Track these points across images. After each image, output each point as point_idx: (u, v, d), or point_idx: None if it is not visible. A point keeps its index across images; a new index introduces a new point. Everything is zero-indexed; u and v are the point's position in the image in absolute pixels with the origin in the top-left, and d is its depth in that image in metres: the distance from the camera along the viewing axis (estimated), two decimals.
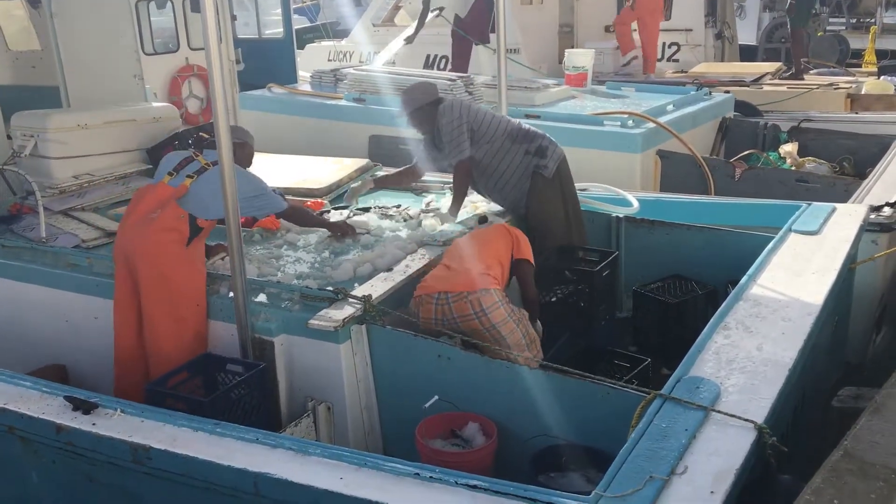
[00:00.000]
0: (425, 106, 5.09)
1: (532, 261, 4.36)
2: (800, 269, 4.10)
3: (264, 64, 9.76)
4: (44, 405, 3.41)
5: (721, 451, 2.60)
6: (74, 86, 7.00)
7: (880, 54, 13.53)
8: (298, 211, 4.78)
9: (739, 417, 2.74)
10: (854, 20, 19.11)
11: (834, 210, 4.95)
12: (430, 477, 2.63)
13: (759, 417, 2.75)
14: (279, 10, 11.17)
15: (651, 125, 7.22)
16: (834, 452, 2.74)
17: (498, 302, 3.98)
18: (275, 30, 11.51)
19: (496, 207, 5.30)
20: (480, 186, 5.24)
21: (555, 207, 5.09)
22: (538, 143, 5.11)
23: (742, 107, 8.81)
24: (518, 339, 4.01)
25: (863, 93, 9.75)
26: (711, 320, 3.54)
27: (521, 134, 5.13)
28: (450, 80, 8.23)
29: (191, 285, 4.09)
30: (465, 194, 5.20)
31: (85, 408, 3.31)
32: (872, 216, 5.07)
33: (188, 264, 4.13)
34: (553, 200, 5.09)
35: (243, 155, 4.58)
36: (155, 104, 6.96)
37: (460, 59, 10.77)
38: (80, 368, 4.62)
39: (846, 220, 4.82)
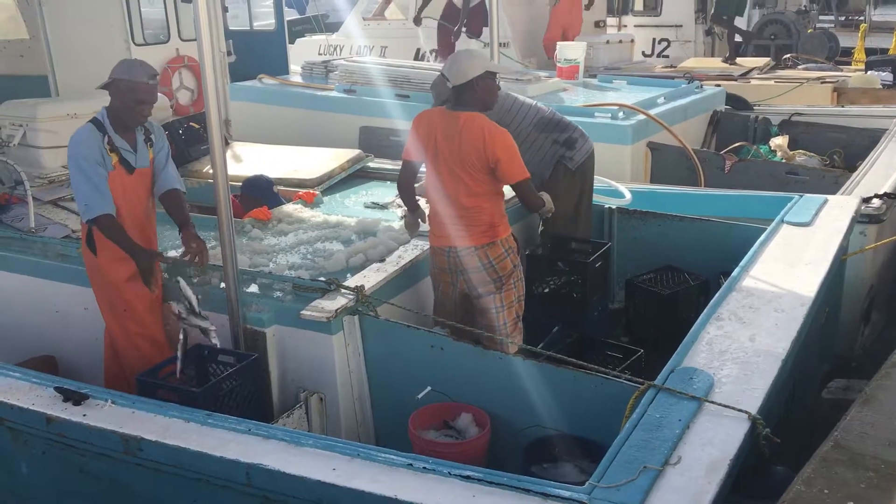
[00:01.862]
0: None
1: (525, 174, 4.08)
2: (792, 261, 4.11)
3: (256, 56, 9.70)
4: (34, 396, 3.39)
5: (715, 442, 2.61)
6: (63, 75, 6.95)
7: (870, 52, 13.57)
8: (110, 229, 3.89)
9: (733, 408, 2.75)
10: (843, 17, 19.16)
11: (826, 202, 4.96)
12: (423, 468, 2.62)
13: (753, 408, 2.76)
14: (269, 2, 11.11)
15: (642, 117, 7.21)
16: (824, 443, 2.75)
17: (504, 253, 4.11)
18: (264, 22, 11.45)
19: None
20: None
21: (568, 201, 5.05)
22: (568, 135, 5.10)
23: (734, 100, 8.82)
24: (513, 298, 4.15)
25: (849, 87, 9.79)
26: (704, 311, 3.55)
27: (551, 124, 5.10)
28: (440, 72, 8.19)
29: (106, 293, 4.00)
30: None
31: (75, 399, 3.29)
32: (862, 207, 5.09)
33: (97, 271, 4.00)
34: (569, 194, 5.07)
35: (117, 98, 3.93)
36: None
37: (444, 51, 10.85)
38: (69, 359, 4.59)
39: (838, 211, 4.84)
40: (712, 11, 12.52)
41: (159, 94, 7.07)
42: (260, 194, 5.40)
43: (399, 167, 5.81)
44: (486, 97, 4.13)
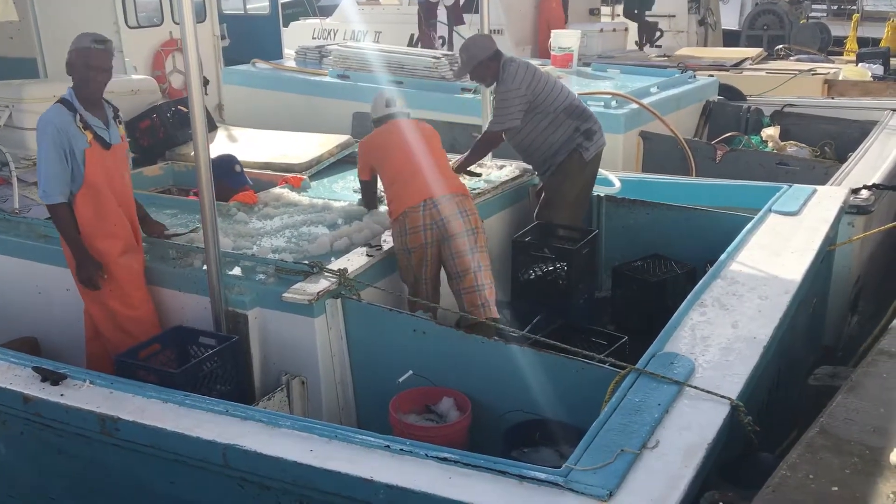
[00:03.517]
0: (485, 60, 5.08)
1: None
2: (778, 249, 4.10)
3: (249, 40, 9.66)
4: (11, 375, 3.37)
5: (693, 426, 2.59)
6: (52, 57, 6.89)
7: (862, 42, 13.57)
8: (61, 220, 3.92)
9: (713, 393, 2.73)
10: (835, 7, 19.16)
11: (814, 192, 4.95)
12: (401, 450, 2.60)
13: (733, 394, 2.75)
14: None
15: (634, 106, 7.21)
16: (810, 429, 2.75)
17: (475, 207, 4.38)
18: (256, 4, 11.38)
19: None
20: (515, 140, 5.23)
21: (572, 188, 5.15)
22: (589, 126, 5.19)
23: (726, 91, 8.82)
24: (486, 262, 4.29)
25: (840, 79, 9.79)
26: (688, 297, 3.53)
27: (577, 111, 5.18)
28: (434, 57, 8.17)
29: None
30: (477, 161, 5.34)
31: (53, 378, 3.26)
32: (851, 198, 5.08)
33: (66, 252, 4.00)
34: (575, 182, 5.15)
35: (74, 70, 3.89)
36: (134, 76, 6.86)
37: (426, 37, 10.92)
38: (51, 340, 4.56)
39: (826, 202, 4.82)
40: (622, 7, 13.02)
41: (151, 77, 7.08)
42: (221, 175, 5.28)
43: None
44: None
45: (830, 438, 2.69)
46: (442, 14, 11.05)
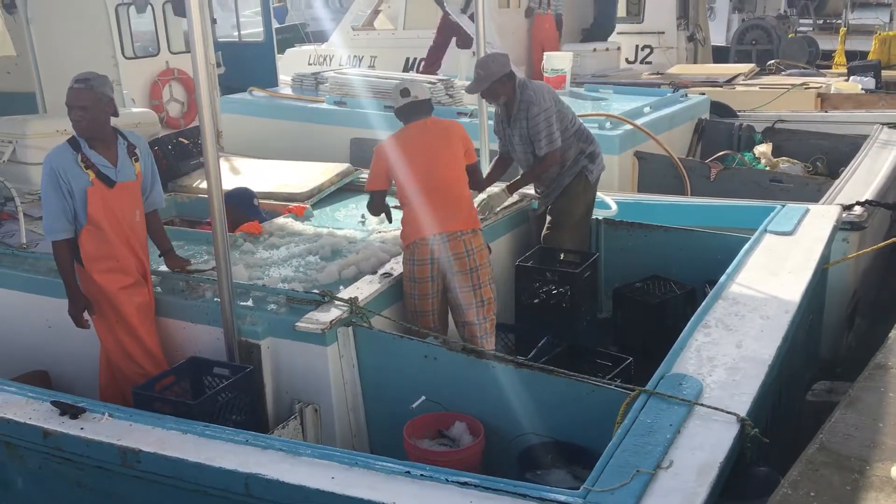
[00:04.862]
0: (503, 78, 5.07)
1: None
2: (776, 269, 4.20)
3: (244, 67, 9.75)
4: (30, 410, 3.41)
5: (705, 446, 2.67)
6: (51, 92, 6.97)
7: (849, 55, 13.78)
8: (59, 256, 4.03)
9: (723, 410, 2.81)
10: (821, 21, 19.42)
11: (807, 211, 5.06)
12: (421, 475, 2.67)
13: (741, 411, 2.83)
14: (248, 12, 11.14)
15: (628, 127, 7.32)
16: (809, 446, 2.81)
17: (483, 244, 4.45)
18: (245, 31, 11.50)
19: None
20: (524, 162, 5.28)
21: (577, 210, 5.26)
22: (592, 149, 5.31)
23: (718, 108, 8.95)
24: (489, 295, 4.40)
25: (832, 92, 9.96)
26: (692, 319, 3.61)
27: (583, 134, 5.30)
28: (430, 82, 8.28)
29: (98, 305, 4.05)
30: (536, 180, 5.34)
31: (72, 412, 3.31)
32: (844, 215, 5.19)
33: (86, 282, 4.06)
34: (580, 204, 5.26)
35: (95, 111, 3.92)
36: (134, 109, 6.94)
37: (431, 63, 10.99)
38: (62, 374, 4.60)
39: (819, 220, 4.93)
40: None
41: (149, 109, 7.15)
42: (240, 206, 5.37)
43: None
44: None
45: (831, 455, 2.74)
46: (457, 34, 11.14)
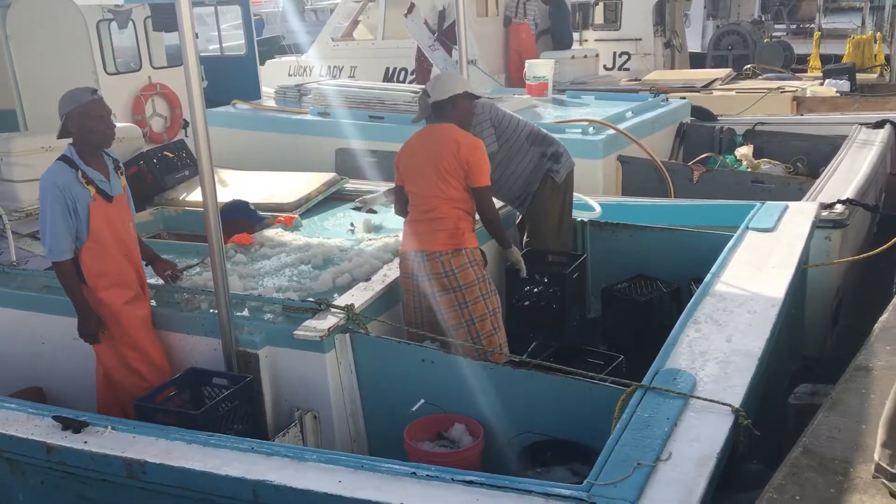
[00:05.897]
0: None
1: (488, 182, 4.34)
2: (760, 265, 4.31)
3: (227, 80, 9.77)
4: (31, 426, 3.42)
5: (702, 437, 2.75)
6: (32, 108, 6.97)
7: (824, 59, 14.01)
8: (66, 276, 4.02)
9: (717, 402, 2.89)
10: (794, 26, 19.71)
11: (787, 208, 5.18)
12: (427, 475, 2.72)
13: (735, 403, 2.91)
14: (226, 25, 11.18)
15: (611, 132, 7.41)
16: (793, 449, 2.86)
17: (468, 263, 4.24)
18: (231, 43, 11.53)
19: None
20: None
21: (553, 213, 5.29)
22: (555, 149, 5.32)
23: (698, 112, 9.08)
24: (481, 312, 4.25)
25: (808, 95, 10.13)
26: (682, 315, 3.70)
27: (539, 137, 5.31)
28: (413, 92, 8.34)
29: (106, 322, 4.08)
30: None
31: (75, 426, 3.32)
32: (825, 213, 5.31)
33: (90, 299, 4.06)
34: (553, 206, 5.28)
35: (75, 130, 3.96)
36: (118, 124, 6.94)
37: (421, 73, 11.06)
38: (57, 390, 4.59)
39: (799, 217, 5.06)
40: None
41: (132, 123, 7.16)
42: (241, 216, 5.46)
43: (376, 188, 5.91)
44: (462, 116, 4.46)
45: (815, 458, 2.78)
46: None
